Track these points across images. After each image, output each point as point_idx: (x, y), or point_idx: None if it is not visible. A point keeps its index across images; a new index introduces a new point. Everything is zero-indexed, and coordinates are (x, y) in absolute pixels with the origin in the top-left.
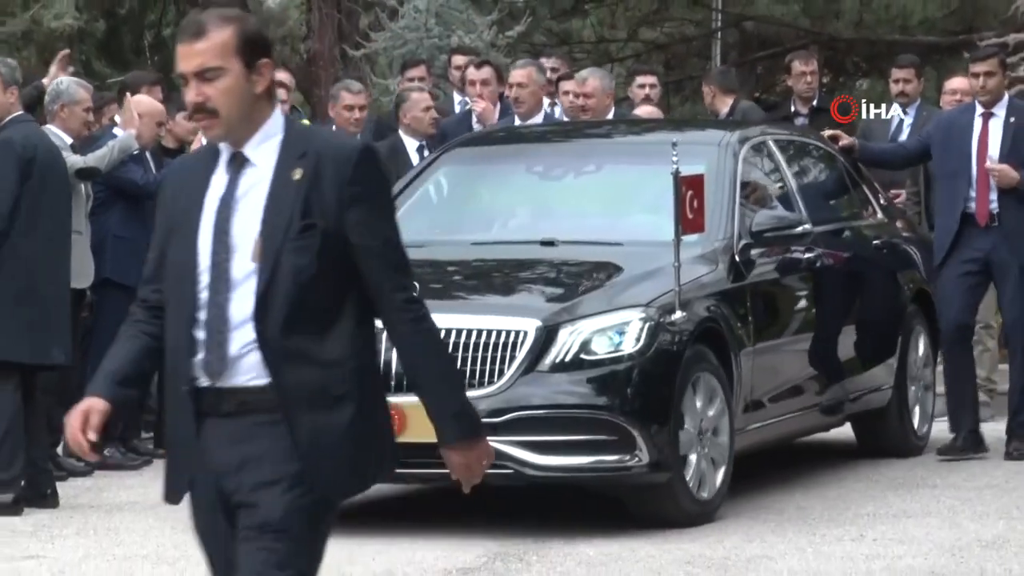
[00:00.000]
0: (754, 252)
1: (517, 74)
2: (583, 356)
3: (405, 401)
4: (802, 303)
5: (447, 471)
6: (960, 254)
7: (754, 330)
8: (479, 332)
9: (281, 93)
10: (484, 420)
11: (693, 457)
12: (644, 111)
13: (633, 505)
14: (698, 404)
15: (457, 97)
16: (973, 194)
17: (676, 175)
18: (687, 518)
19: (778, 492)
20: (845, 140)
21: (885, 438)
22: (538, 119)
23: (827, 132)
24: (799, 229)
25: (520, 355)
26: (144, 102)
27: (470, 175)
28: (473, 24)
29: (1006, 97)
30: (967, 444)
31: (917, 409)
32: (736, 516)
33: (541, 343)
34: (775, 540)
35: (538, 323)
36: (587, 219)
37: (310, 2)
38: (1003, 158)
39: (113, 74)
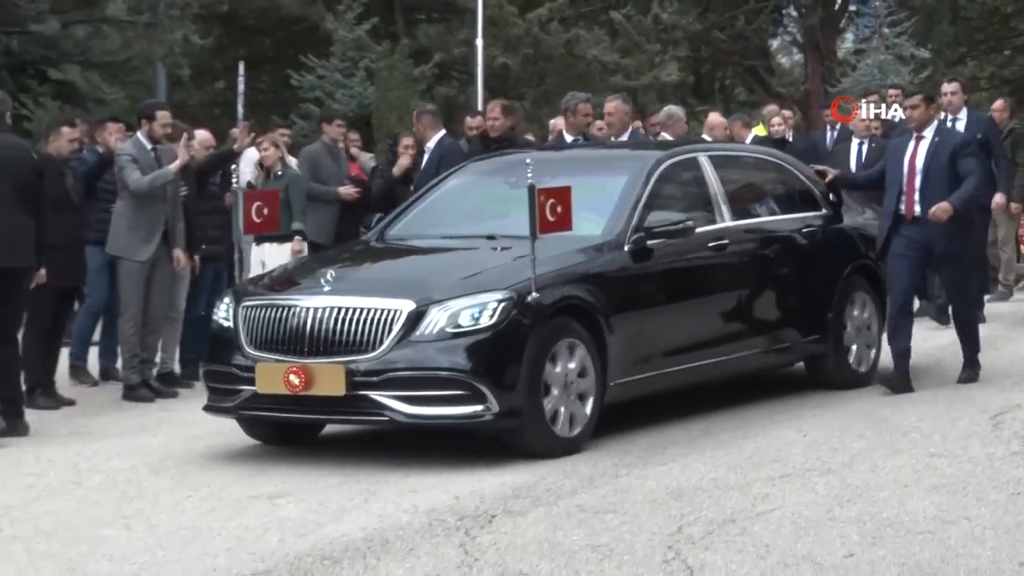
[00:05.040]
0: (649, 243)
1: (609, 106)
2: (448, 329)
3: (312, 362)
4: (701, 281)
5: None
6: (898, 243)
7: (634, 303)
8: (365, 310)
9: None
10: (365, 379)
11: (562, 409)
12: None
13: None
14: (558, 368)
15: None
16: (904, 198)
17: (531, 188)
18: (551, 451)
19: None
20: (830, 175)
21: (824, 374)
22: (624, 137)
23: (816, 168)
24: (682, 225)
25: (395, 328)
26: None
27: (467, 185)
28: (899, 71)
29: (935, 123)
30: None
31: (856, 352)
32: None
33: (414, 319)
34: (984, 384)
35: (412, 304)
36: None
37: (805, 59)
38: (925, 168)
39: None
